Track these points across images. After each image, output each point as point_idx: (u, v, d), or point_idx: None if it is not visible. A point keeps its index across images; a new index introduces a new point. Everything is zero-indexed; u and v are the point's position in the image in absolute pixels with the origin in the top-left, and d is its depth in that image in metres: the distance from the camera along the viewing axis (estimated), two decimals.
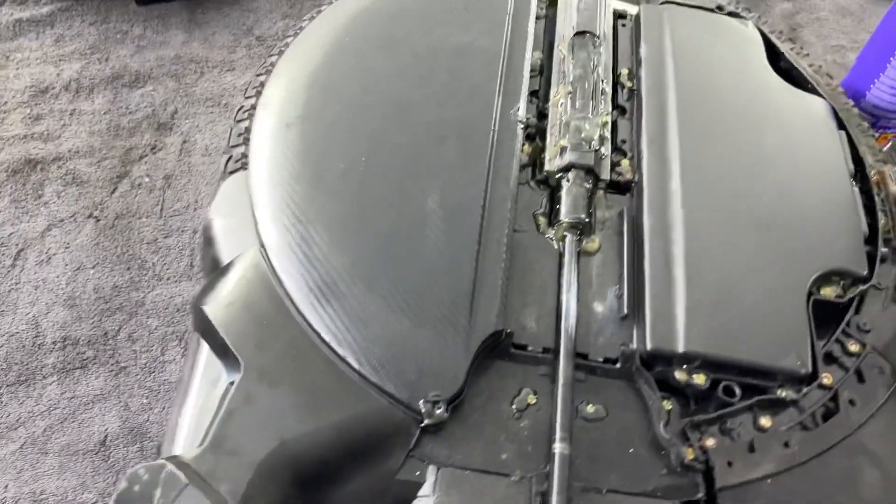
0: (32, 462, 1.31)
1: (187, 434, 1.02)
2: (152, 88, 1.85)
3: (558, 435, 0.94)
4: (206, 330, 1.05)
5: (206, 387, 1.05)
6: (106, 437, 1.35)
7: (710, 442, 0.97)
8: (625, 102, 1.34)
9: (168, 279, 1.52)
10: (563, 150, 1.20)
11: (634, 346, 1.03)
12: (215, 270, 1.14)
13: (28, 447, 1.33)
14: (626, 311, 1.07)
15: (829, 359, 1.07)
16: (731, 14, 1.46)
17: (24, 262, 1.54)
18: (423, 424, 0.95)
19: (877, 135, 1.75)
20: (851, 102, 1.47)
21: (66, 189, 1.65)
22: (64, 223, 1.60)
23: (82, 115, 1.79)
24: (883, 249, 1.18)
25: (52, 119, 1.78)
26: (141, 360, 1.43)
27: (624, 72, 1.37)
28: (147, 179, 1.68)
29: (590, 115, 1.24)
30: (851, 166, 1.25)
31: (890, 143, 1.84)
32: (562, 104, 1.27)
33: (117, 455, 1.32)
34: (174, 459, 0.93)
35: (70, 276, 1.52)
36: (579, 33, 1.35)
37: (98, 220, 1.61)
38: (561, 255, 1.12)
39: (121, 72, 1.88)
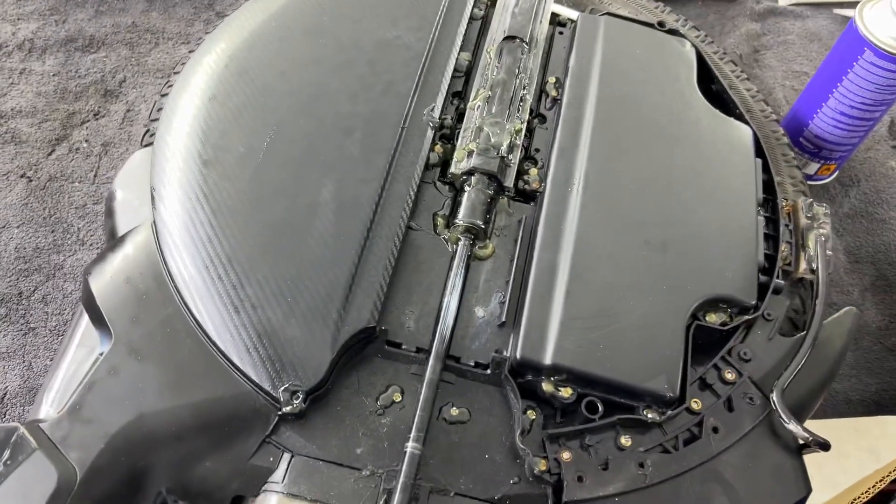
0: None
1: (53, 399, 1.03)
2: (104, 55, 1.85)
3: (413, 434, 0.95)
4: (87, 300, 1.07)
5: (80, 355, 1.07)
6: (5, 394, 1.36)
7: (565, 455, 0.98)
8: (546, 111, 1.34)
9: (91, 245, 1.53)
10: (470, 153, 1.20)
11: (507, 353, 1.04)
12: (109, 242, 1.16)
13: None
14: (503, 318, 1.07)
15: (704, 385, 1.08)
16: (670, 31, 1.45)
17: None
18: (280, 412, 0.96)
19: (819, 165, 1.75)
20: (782, 131, 1.48)
21: (4, 147, 1.66)
22: None
23: (31, 76, 1.80)
24: (778, 281, 1.18)
25: (1, 77, 1.79)
26: (51, 323, 1.44)
27: (551, 80, 1.37)
28: (85, 145, 1.69)
29: (503, 122, 1.25)
30: (761, 195, 1.25)
31: (834, 175, 1.83)
32: (478, 107, 1.27)
33: (13, 413, 1.34)
34: (31, 423, 0.95)
35: None
36: (508, 38, 1.35)
37: (30, 181, 1.62)
38: (452, 258, 1.13)
39: (75, 35, 1.88)
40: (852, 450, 1.50)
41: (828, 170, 1.77)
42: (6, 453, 0.91)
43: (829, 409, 1.49)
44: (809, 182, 1.80)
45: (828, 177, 1.81)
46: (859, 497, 1.40)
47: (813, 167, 1.76)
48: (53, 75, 1.80)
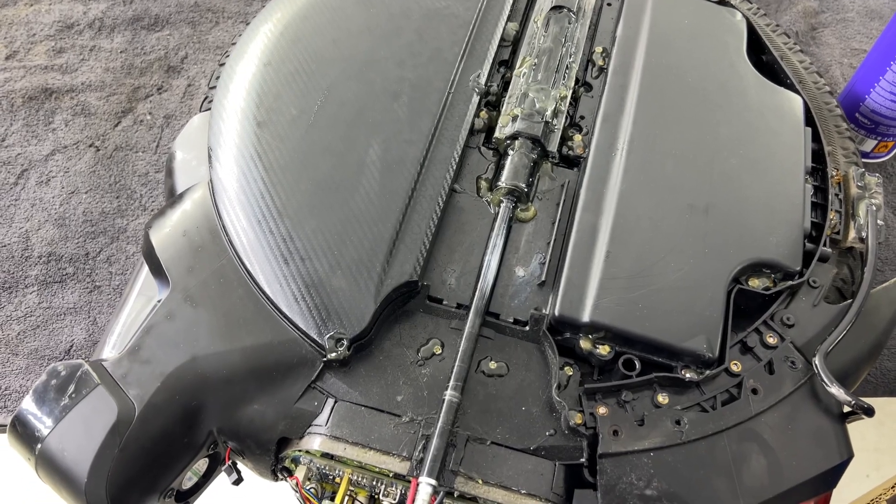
0: (3, 360, 1.42)
1: (115, 342, 1.09)
2: (168, 33, 1.94)
3: (451, 383, 0.98)
4: (147, 251, 1.13)
5: (139, 304, 1.13)
6: (72, 346, 1.45)
7: (601, 410, 0.99)
8: (592, 80, 1.34)
9: (152, 210, 1.61)
10: (514, 118, 1.22)
11: (546, 311, 1.06)
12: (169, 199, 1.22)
13: (1, 347, 1.44)
14: (544, 277, 1.09)
15: (745, 348, 1.07)
16: (720, 2, 1.44)
17: (26, 182, 1.65)
18: (325, 359, 1.00)
19: (876, 142, 1.71)
20: (835, 102, 1.45)
21: (75, 119, 1.76)
22: (67, 149, 1.70)
23: (100, 52, 1.90)
24: (825, 248, 1.16)
25: (72, 53, 1.89)
26: (115, 282, 1.52)
27: (598, 50, 1.38)
28: (149, 117, 1.77)
29: (549, 88, 1.26)
30: (810, 163, 1.24)
31: (892, 153, 1.78)
32: (524, 74, 1.29)
33: None
34: (94, 362, 1.01)
35: (64, 198, 1.63)
36: (556, 7, 1.37)
37: (98, 150, 1.71)
38: (495, 219, 1.15)
39: (142, 14, 1.98)
40: None
41: (885, 147, 1.72)
42: (71, 387, 0.98)
43: (879, 388, 1.46)
44: (866, 160, 1.75)
45: (885, 154, 1.76)
46: None
47: (870, 144, 1.71)
48: (121, 52, 1.89)
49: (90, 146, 1.71)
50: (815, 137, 1.30)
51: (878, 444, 1.45)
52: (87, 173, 1.67)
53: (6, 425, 1.01)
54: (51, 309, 1.49)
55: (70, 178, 1.66)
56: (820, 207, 1.22)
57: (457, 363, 1.00)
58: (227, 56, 1.39)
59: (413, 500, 0.89)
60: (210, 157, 1.18)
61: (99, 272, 1.53)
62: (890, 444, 1.45)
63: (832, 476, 0.99)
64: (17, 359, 1.43)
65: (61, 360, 1.42)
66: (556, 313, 1.03)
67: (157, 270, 1.10)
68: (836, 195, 1.24)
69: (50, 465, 0.96)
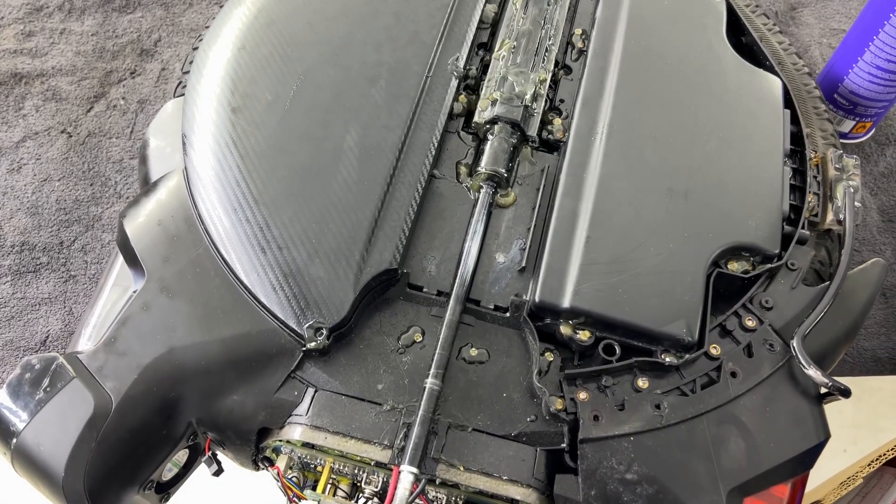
0: None
1: (91, 333, 1.08)
2: (140, 15, 1.89)
3: (432, 371, 0.98)
4: (122, 241, 1.11)
5: (115, 295, 1.11)
6: (48, 337, 1.43)
7: (582, 395, 0.99)
8: (572, 62, 1.33)
9: (127, 198, 1.58)
10: (494, 102, 1.21)
11: (526, 297, 1.06)
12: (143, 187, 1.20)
13: None
14: (524, 263, 1.09)
15: (724, 331, 1.08)
16: None
17: None
18: (305, 348, 0.99)
19: (854, 123, 1.72)
20: (814, 84, 1.45)
21: (46, 104, 1.72)
22: (38, 136, 1.67)
23: (71, 36, 1.85)
24: (803, 231, 1.17)
25: (42, 36, 1.84)
26: (90, 271, 1.50)
27: (578, 32, 1.37)
28: (122, 102, 1.74)
29: (528, 71, 1.25)
30: (788, 146, 1.24)
31: (869, 133, 1.79)
32: (503, 58, 1.27)
33: None
34: (69, 355, 1.00)
35: (37, 185, 1.60)
36: None
37: (70, 136, 1.68)
38: (475, 205, 1.14)
39: None
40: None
41: (863, 128, 1.73)
42: (46, 381, 0.96)
43: (856, 367, 1.48)
44: (844, 141, 1.76)
45: (863, 135, 1.77)
46: (886, 454, 1.40)
47: (848, 125, 1.72)
48: (92, 35, 1.85)
49: (62, 132, 1.68)
50: (794, 119, 1.30)
51: (855, 419, 1.47)
52: (59, 160, 1.64)
53: None
54: (25, 299, 1.46)
55: (42, 166, 1.63)
56: (798, 190, 1.23)
57: (437, 350, 1.00)
58: (201, 40, 1.36)
59: (395, 489, 0.89)
60: (184, 144, 1.16)
61: (74, 261, 1.51)
62: (867, 419, 1.47)
63: (809, 457, 1.01)
64: None
65: (37, 351, 1.40)
66: (537, 299, 1.03)
67: (133, 261, 1.08)
68: (815, 177, 1.24)
69: (26, 460, 0.95)
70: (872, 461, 1.38)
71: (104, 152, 1.66)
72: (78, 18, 1.89)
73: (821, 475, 1.42)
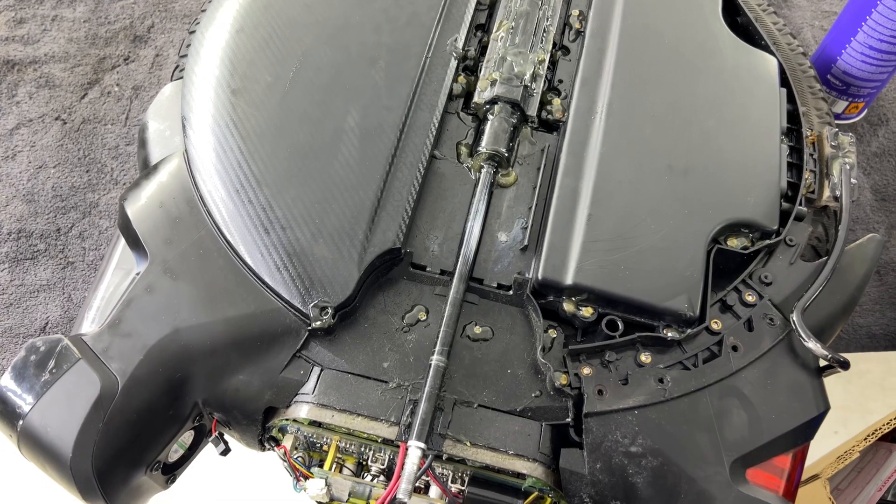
0: None
1: (94, 316, 1.08)
2: (133, 1, 1.88)
3: (437, 348, 0.98)
4: (124, 224, 1.11)
5: (118, 276, 1.11)
6: (47, 323, 1.42)
7: (585, 370, 1.00)
8: (570, 43, 1.34)
9: (124, 184, 1.57)
10: (493, 83, 1.21)
11: (529, 275, 1.06)
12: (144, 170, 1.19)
13: None
14: (526, 242, 1.09)
15: (725, 307, 1.09)
16: None
17: None
18: (310, 328, 1.00)
19: (847, 103, 1.73)
20: (809, 63, 1.46)
21: (39, 91, 1.70)
22: (32, 123, 1.65)
23: (63, 22, 1.84)
24: (801, 207, 1.18)
25: (34, 23, 1.83)
26: (88, 257, 1.49)
27: (575, 13, 1.37)
28: (116, 88, 1.73)
29: (527, 52, 1.25)
30: (785, 124, 1.25)
31: (862, 114, 1.81)
32: (501, 38, 1.28)
33: None
34: (74, 336, 1.00)
35: (32, 173, 1.59)
36: None
37: (65, 123, 1.67)
38: (476, 185, 1.15)
39: None
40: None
41: (856, 108, 1.74)
42: (51, 362, 0.96)
43: (852, 343, 1.50)
44: (838, 121, 1.78)
45: (856, 115, 1.79)
46: (881, 428, 1.42)
47: (841, 105, 1.74)
48: (84, 21, 1.84)
49: (56, 119, 1.66)
50: (790, 98, 1.31)
51: (845, 401, 1.49)
52: (54, 147, 1.62)
53: None
54: (23, 286, 1.46)
55: (37, 153, 1.62)
56: (795, 167, 1.24)
57: (442, 328, 1.00)
58: (197, 24, 1.35)
59: (402, 464, 0.90)
60: (184, 126, 1.15)
61: (72, 248, 1.50)
62: (857, 401, 1.49)
63: (810, 428, 1.02)
64: None
65: (37, 337, 1.40)
66: (540, 277, 1.03)
67: (135, 243, 1.08)
68: (811, 155, 1.26)
69: (33, 442, 0.94)
70: (868, 435, 1.40)
71: (99, 139, 1.65)
72: (69, 5, 1.87)
73: (812, 455, 1.44)
